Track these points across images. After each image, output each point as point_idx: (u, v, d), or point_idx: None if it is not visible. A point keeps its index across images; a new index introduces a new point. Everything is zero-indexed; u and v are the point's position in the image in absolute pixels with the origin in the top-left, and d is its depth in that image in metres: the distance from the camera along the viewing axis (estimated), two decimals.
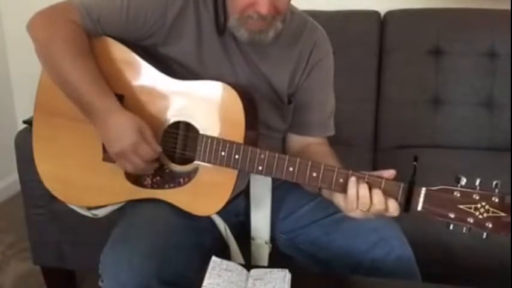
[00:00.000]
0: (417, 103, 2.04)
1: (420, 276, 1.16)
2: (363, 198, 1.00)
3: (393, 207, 1.00)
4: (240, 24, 1.13)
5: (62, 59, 1.13)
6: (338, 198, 1.06)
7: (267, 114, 1.25)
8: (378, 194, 1.00)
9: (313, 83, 1.29)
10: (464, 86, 2.02)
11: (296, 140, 1.33)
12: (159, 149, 1.12)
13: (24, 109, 1.76)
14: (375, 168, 1.04)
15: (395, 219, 1.08)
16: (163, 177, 1.16)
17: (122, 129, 1.09)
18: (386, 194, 1.00)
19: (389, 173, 1.02)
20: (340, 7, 2.11)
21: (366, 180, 1.01)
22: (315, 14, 1.37)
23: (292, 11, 1.27)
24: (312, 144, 1.30)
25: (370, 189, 1.00)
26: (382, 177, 1.01)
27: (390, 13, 2.11)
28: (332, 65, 1.32)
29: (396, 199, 1.00)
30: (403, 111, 2.05)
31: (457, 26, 2.05)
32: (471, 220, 0.96)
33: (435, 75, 2.03)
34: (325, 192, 1.12)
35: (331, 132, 1.34)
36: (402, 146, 2.01)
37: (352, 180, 1.01)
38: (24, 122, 1.45)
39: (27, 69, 1.59)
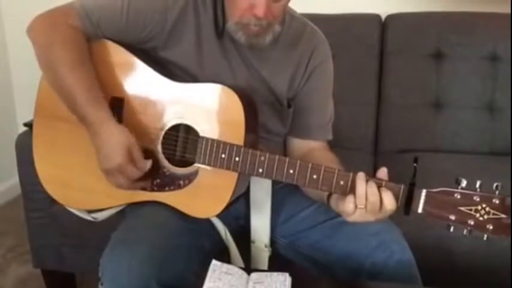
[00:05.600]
0: (418, 107, 2.04)
1: (421, 281, 1.15)
2: (361, 195, 0.99)
3: (388, 199, 0.99)
4: (238, 29, 1.14)
5: (60, 64, 1.13)
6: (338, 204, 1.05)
7: (267, 117, 1.25)
8: (371, 187, 0.99)
9: (313, 87, 1.29)
10: (465, 90, 2.02)
11: (297, 144, 1.33)
12: (146, 167, 1.12)
13: (25, 112, 1.76)
14: (375, 172, 1.03)
15: (396, 220, 1.07)
16: (163, 179, 1.16)
17: (110, 147, 1.10)
18: None
19: (381, 171, 1.02)
20: (341, 10, 2.11)
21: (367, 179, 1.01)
22: (316, 17, 1.37)
23: (292, 14, 1.27)
24: (316, 149, 1.30)
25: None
26: (382, 179, 1.01)
27: (391, 16, 2.11)
28: (331, 69, 1.32)
29: (397, 201, 1.00)
30: (404, 114, 2.04)
31: (458, 29, 2.05)
32: (472, 222, 0.96)
33: (436, 79, 2.03)
34: (334, 204, 1.10)
35: (330, 137, 1.34)
36: (403, 149, 2.00)
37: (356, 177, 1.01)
38: (25, 124, 1.45)
39: (28, 72, 1.59)
